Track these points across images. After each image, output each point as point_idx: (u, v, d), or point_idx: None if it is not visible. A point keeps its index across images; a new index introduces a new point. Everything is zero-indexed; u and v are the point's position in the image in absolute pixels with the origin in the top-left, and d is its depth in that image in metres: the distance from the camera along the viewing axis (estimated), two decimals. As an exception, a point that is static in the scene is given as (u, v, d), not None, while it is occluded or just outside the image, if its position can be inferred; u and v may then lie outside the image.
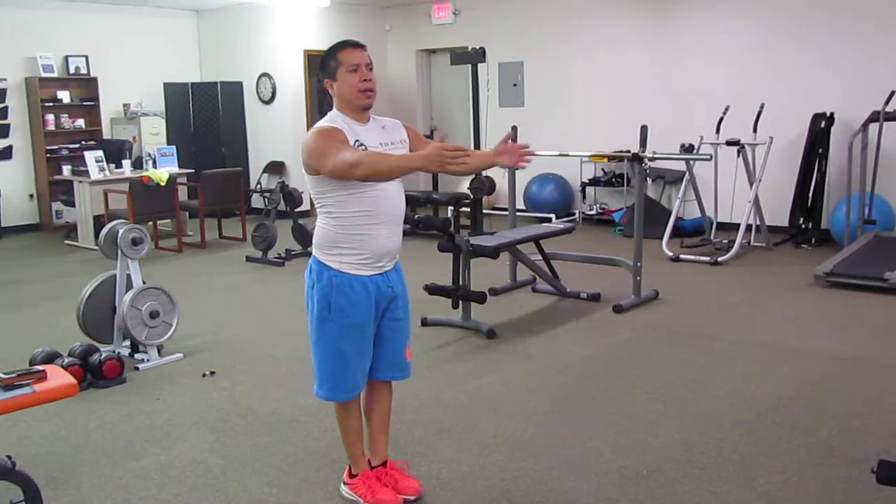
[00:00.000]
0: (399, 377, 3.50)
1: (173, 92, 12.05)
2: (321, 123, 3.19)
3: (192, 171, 10.58)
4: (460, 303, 6.08)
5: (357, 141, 3.13)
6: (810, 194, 9.19)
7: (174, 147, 10.52)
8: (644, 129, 6.59)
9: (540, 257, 6.96)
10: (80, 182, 9.85)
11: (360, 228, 3.16)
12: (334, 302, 3.21)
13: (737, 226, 8.74)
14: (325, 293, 3.21)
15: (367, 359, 3.34)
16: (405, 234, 3.46)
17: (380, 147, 3.17)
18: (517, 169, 3.48)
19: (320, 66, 3.24)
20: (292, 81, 12.08)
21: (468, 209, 10.01)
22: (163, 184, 9.32)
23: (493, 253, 6.19)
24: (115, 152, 10.46)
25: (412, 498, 3.48)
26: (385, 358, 3.39)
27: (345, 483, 3.56)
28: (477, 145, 9.94)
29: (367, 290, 3.21)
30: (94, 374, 5.02)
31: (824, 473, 3.70)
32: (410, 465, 3.73)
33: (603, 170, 11.18)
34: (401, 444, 3.99)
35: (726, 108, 9.09)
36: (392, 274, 3.32)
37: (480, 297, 6.04)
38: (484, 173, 9.90)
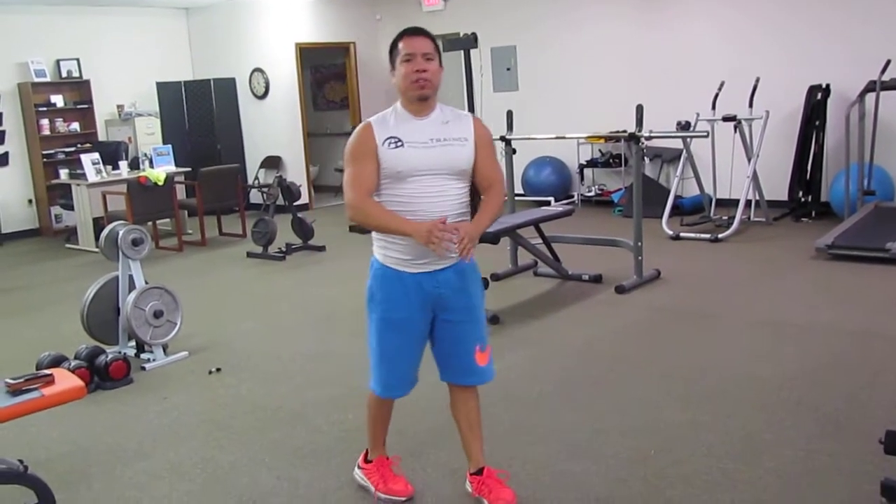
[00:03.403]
0: (470, 382, 3.34)
1: (166, 91, 12.04)
2: (370, 118, 3.14)
3: (189, 169, 10.57)
4: (463, 290, 6.08)
5: (392, 137, 3.05)
6: (809, 167, 9.18)
7: (170, 146, 10.53)
8: (640, 109, 6.58)
9: (540, 241, 6.96)
10: (78, 185, 9.85)
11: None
12: (375, 295, 3.18)
13: (736, 202, 8.73)
14: (370, 284, 3.20)
15: (409, 362, 3.25)
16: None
17: (428, 143, 3.05)
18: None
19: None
20: (285, 75, 12.05)
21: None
22: (160, 183, 9.31)
23: (493, 238, 6.18)
24: (112, 154, 10.44)
25: None
26: (447, 361, 3.28)
27: (359, 467, 3.57)
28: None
29: (406, 287, 3.13)
30: (100, 375, 5.04)
31: (832, 447, 3.71)
32: (419, 455, 3.75)
33: (600, 151, 11.17)
34: (409, 434, 4.00)
35: (721, 84, 9.07)
36: (443, 274, 3.15)
37: (482, 283, 6.03)
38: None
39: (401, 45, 3.06)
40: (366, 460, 3.55)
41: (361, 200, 3.06)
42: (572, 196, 11.31)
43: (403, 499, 3.43)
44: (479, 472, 3.39)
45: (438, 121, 3.13)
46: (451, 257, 3.11)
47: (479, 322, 3.30)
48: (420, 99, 3.08)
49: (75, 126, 11.47)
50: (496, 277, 6.96)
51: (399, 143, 3.05)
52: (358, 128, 3.13)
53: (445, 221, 2.98)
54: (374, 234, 3.19)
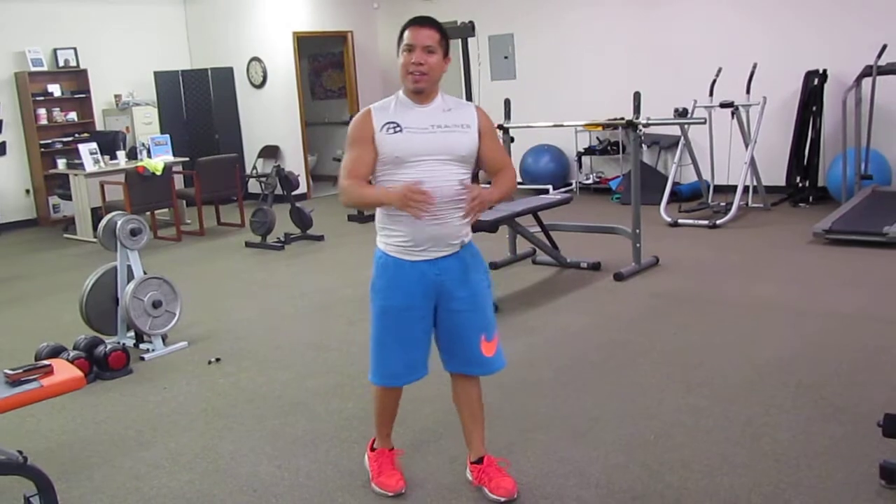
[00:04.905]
0: (475, 372, 3.33)
1: (164, 80, 12.00)
2: (372, 105, 3.15)
3: (187, 159, 10.55)
4: (461, 278, 6.07)
5: (390, 123, 3.05)
6: (806, 152, 9.18)
7: (168, 136, 10.50)
8: (637, 96, 6.57)
9: (539, 229, 6.96)
10: (76, 175, 9.83)
11: (398, 210, 3.04)
12: (376, 282, 3.20)
13: (734, 188, 8.74)
14: (373, 273, 3.21)
15: (410, 350, 3.23)
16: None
17: (428, 129, 3.05)
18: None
19: None
20: (283, 65, 12.02)
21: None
22: (158, 173, 9.30)
23: (491, 227, 6.19)
24: (109, 144, 10.43)
25: (502, 499, 3.27)
26: (451, 350, 3.28)
27: (368, 451, 3.57)
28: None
29: (407, 275, 3.12)
30: (100, 366, 5.04)
31: (830, 430, 3.72)
32: (420, 444, 3.75)
33: (598, 138, 11.16)
34: (409, 423, 4.01)
35: (718, 70, 9.06)
36: (446, 262, 3.14)
37: (488, 272, 6.03)
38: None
39: (405, 34, 3.06)
40: (372, 447, 3.56)
41: (349, 184, 3.09)
42: (570, 184, 11.30)
43: (391, 493, 3.40)
44: (480, 460, 3.40)
45: (440, 109, 3.12)
46: (452, 244, 3.13)
47: (484, 311, 3.27)
48: (415, 92, 3.08)
49: (73, 115, 11.44)
50: (495, 266, 6.97)
51: (398, 129, 3.04)
52: (358, 114, 3.15)
53: (421, 184, 2.96)
54: (377, 223, 3.20)
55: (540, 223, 6.96)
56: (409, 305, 3.15)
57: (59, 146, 11.13)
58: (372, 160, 3.08)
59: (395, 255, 3.14)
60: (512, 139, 7.48)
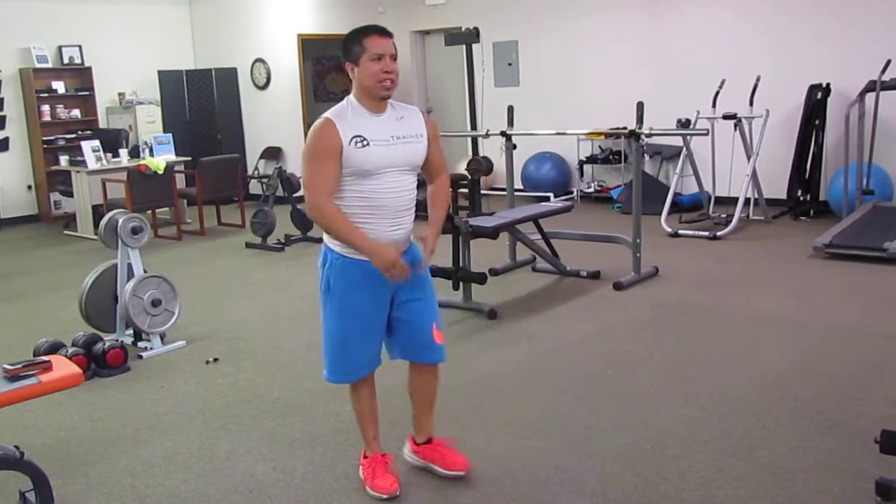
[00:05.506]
0: (429, 360, 3.46)
1: (168, 80, 12.02)
2: (326, 114, 3.18)
3: (189, 158, 10.56)
4: (461, 284, 6.09)
5: (358, 136, 3.10)
6: (808, 166, 9.18)
7: (170, 135, 10.52)
8: (640, 106, 6.58)
9: (539, 237, 6.96)
10: (78, 172, 9.84)
11: (360, 218, 3.17)
12: (333, 285, 3.26)
13: (735, 200, 8.74)
14: (326, 275, 3.28)
15: (371, 345, 3.35)
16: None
17: (390, 140, 3.16)
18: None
19: (343, 47, 3.23)
20: (287, 66, 12.03)
21: (466, 190, 10.00)
22: (160, 172, 9.31)
23: (492, 233, 6.19)
24: (112, 142, 10.44)
25: (461, 473, 3.50)
26: (407, 340, 3.39)
27: (361, 459, 3.59)
28: (473, 126, 9.92)
29: (365, 274, 3.20)
30: (98, 363, 5.04)
31: (827, 444, 3.72)
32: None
33: (600, 147, 11.17)
34: (405, 426, 4.01)
35: (722, 82, 9.06)
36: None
37: (481, 278, 6.05)
38: (481, 153, 9.91)
39: (367, 43, 3.16)
40: (364, 456, 3.57)
41: (324, 203, 3.14)
42: (572, 192, 11.30)
43: (385, 496, 3.41)
44: (429, 441, 3.57)
45: (393, 117, 3.24)
46: (404, 245, 3.32)
47: (434, 301, 3.45)
48: (383, 98, 3.19)
49: (76, 113, 11.46)
50: (494, 272, 6.96)
51: (365, 143, 3.12)
52: (318, 125, 3.16)
53: (402, 252, 3.22)
54: None
55: (540, 230, 6.97)
56: (370, 303, 3.28)
57: (61, 143, 11.15)
58: (338, 173, 3.14)
59: (352, 257, 3.22)
60: (514, 146, 7.49)
